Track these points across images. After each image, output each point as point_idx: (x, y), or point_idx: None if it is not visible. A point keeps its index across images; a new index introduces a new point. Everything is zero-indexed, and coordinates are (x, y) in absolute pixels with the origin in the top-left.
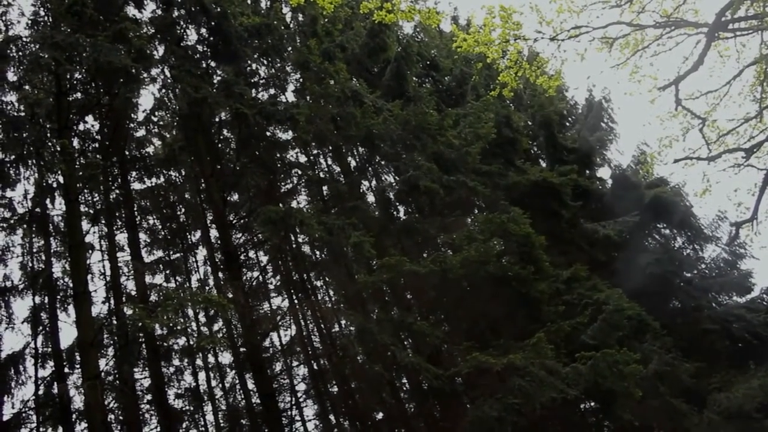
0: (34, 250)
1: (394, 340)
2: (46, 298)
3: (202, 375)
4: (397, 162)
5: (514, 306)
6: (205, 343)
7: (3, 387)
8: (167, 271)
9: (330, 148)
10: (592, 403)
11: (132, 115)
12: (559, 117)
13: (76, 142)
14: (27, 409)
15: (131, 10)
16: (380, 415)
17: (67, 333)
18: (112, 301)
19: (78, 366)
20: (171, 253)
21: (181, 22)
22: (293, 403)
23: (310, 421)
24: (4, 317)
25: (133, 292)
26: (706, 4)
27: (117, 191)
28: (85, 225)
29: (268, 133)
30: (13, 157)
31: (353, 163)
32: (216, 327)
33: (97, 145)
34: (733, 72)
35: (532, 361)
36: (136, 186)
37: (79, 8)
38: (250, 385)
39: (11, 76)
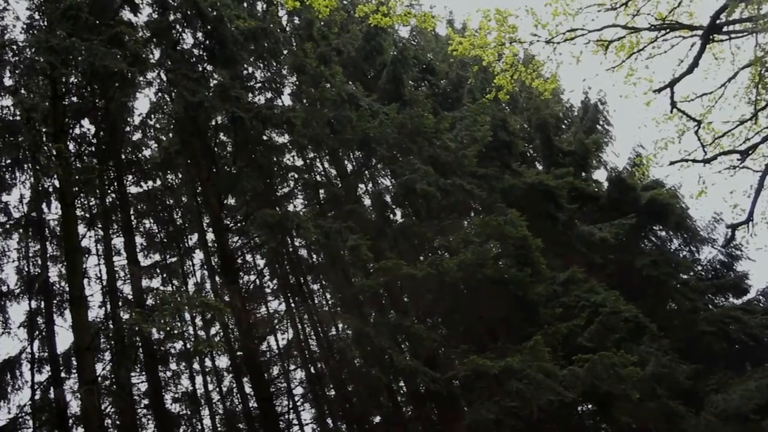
0: (30, 255)
1: (391, 343)
2: (43, 302)
3: (199, 379)
4: (394, 165)
5: (511, 309)
6: (202, 347)
7: None
8: (164, 275)
9: (326, 151)
10: (590, 406)
11: (128, 118)
12: (555, 120)
13: (72, 146)
14: (23, 414)
15: (127, 14)
16: (377, 419)
17: (64, 337)
18: (108, 306)
19: (74, 370)
20: (168, 256)
21: (177, 26)
22: (290, 406)
23: (308, 425)
24: (0, 322)
25: (130, 296)
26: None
27: (113, 195)
28: (81, 229)
29: (264, 137)
30: (8, 161)
31: (350, 167)
32: (213, 331)
33: (93, 148)
34: (728, 74)
35: (530, 364)
36: (133, 190)
37: (74, 12)
38: (248, 389)
39: (7, 81)
